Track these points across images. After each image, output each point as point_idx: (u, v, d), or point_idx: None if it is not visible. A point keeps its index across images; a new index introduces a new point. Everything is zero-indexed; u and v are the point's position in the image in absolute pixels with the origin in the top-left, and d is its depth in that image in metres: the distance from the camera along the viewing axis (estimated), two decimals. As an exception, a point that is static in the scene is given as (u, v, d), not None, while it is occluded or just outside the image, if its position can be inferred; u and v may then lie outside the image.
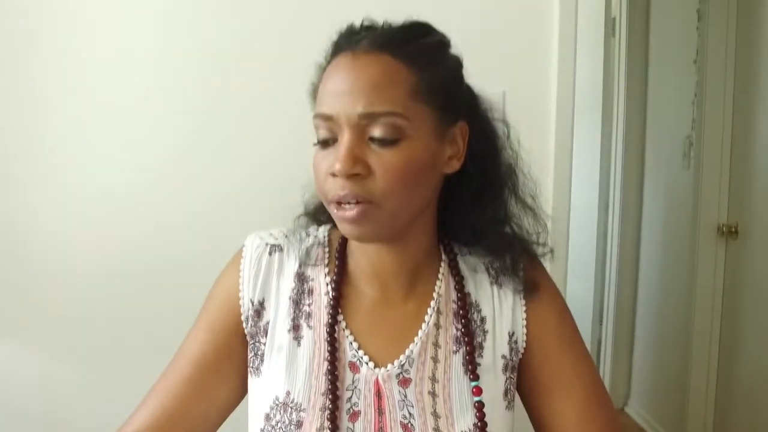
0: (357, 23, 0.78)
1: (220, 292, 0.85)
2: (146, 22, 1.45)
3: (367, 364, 0.77)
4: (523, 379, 0.84)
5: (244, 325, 0.82)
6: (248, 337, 0.82)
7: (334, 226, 0.85)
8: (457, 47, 0.81)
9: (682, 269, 2.73)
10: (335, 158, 0.70)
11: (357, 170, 0.69)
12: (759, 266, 2.37)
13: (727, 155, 2.54)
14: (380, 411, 0.76)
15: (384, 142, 0.70)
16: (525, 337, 0.83)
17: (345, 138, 0.70)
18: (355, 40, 0.74)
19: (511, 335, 0.82)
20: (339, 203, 0.71)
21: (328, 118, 0.71)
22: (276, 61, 1.43)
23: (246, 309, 0.82)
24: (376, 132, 0.70)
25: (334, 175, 0.70)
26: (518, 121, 1.47)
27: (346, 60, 0.72)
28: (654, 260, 3.04)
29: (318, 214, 0.88)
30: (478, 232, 0.84)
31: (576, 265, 2.42)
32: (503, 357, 0.82)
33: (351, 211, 0.70)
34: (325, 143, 0.72)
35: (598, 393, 0.83)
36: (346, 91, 0.70)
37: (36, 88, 1.43)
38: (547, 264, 0.91)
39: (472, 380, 0.77)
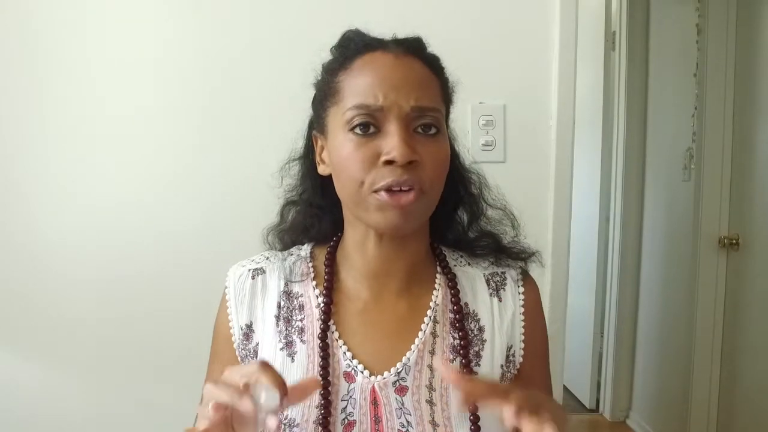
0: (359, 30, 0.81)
1: (218, 335, 0.86)
2: (151, 32, 1.46)
3: (362, 372, 0.77)
4: None
5: (236, 351, 0.83)
6: (239, 360, 0.83)
7: (317, 244, 0.88)
8: (457, 58, 0.84)
9: (683, 281, 2.73)
10: (389, 146, 0.71)
11: (415, 157, 0.72)
12: (760, 278, 2.37)
13: (728, 167, 2.55)
14: (377, 419, 0.76)
15: (429, 134, 0.74)
16: (522, 352, 0.84)
17: (396, 127, 0.72)
18: (381, 41, 0.77)
19: (509, 348, 0.83)
20: (389, 190, 0.72)
21: (377, 109, 0.72)
22: (280, 72, 1.44)
23: (237, 336, 0.83)
24: (423, 124, 0.74)
25: (388, 162, 0.72)
26: (519, 133, 1.50)
27: (388, 57, 0.75)
28: (655, 272, 3.04)
29: (295, 239, 0.90)
30: (463, 234, 0.89)
31: (577, 277, 2.43)
32: (501, 367, 0.82)
33: (407, 196, 0.72)
34: (365, 128, 0.73)
35: None
36: (397, 85, 0.73)
37: (37, 96, 1.44)
38: (544, 272, 0.92)
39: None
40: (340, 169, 0.75)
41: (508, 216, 0.89)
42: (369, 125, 0.73)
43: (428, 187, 0.74)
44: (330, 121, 0.77)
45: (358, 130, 0.73)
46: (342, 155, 0.74)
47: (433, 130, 0.74)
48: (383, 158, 0.72)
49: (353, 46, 0.78)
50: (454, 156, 0.86)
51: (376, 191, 0.72)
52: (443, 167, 0.76)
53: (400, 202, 0.72)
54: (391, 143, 0.71)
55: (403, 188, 0.71)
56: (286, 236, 0.91)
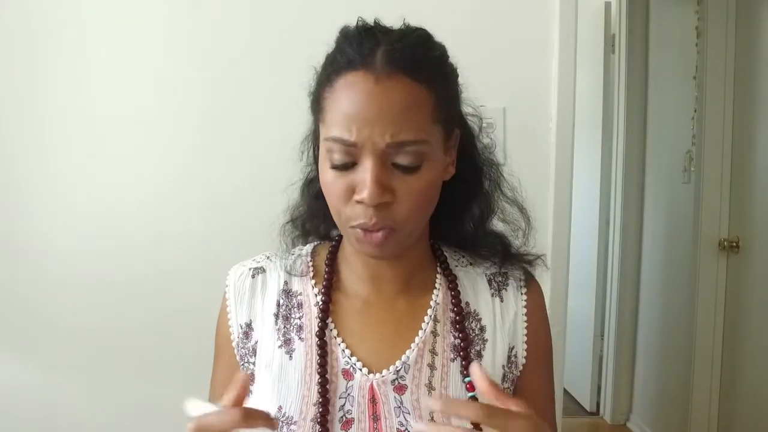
0: (355, 25, 0.76)
1: (219, 334, 0.86)
2: (151, 32, 1.46)
3: (360, 370, 0.77)
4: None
5: (234, 351, 0.83)
6: (238, 359, 0.83)
7: (322, 240, 0.87)
8: (456, 61, 0.81)
9: (684, 284, 2.73)
10: (361, 185, 0.69)
11: (385, 199, 0.69)
12: (760, 280, 2.37)
13: (728, 170, 2.55)
14: (375, 417, 0.76)
15: (409, 169, 0.70)
16: (525, 353, 0.84)
17: (370, 165, 0.68)
18: (368, 55, 0.70)
19: (511, 349, 0.82)
20: (361, 228, 0.71)
21: (351, 144, 0.68)
22: (280, 72, 1.44)
23: (236, 335, 0.83)
24: (402, 160, 0.69)
25: (359, 201, 0.69)
26: (519, 136, 1.50)
27: (367, 83, 0.69)
28: (655, 275, 3.04)
29: (306, 230, 0.88)
30: (469, 233, 0.86)
31: (577, 280, 2.42)
32: (503, 367, 0.81)
33: (377, 237, 0.70)
34: (342, 163, 0.70)
35: (554, 415, 0.89)
36: (372, 119, 0.68)
37: (37, 96, 1.45)
38: (544, 275, 0.91)
39: (467, 386, 0.77)
40: (325, 192, 0.75)
41: (524, 214, 0.87)
42: (345, 159, 0.70)
43: (402, 224, 0.71)
44: (321, 136, 0.75)
45: (335, 162, 0.70)
46: (324, 182, 0.73)
47: (412, 164, 0.70)
48: (355, 197, 0.70)
49: (338, 61, 0.72)
50: (471, 148, 0.84)
51: (352, 226, 0.72)
52: (423, 200, 0.73)
53: (372, 240, 0.71)
54: (362, 183, 0.69)
55: (371, 228, 0.70)
56: (302, 222, 0.89)
